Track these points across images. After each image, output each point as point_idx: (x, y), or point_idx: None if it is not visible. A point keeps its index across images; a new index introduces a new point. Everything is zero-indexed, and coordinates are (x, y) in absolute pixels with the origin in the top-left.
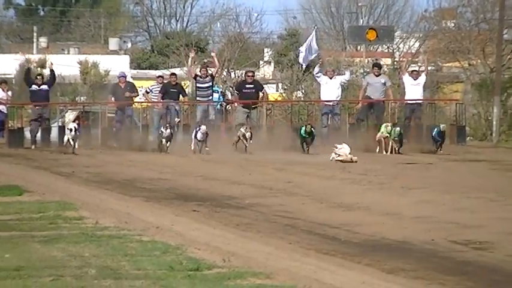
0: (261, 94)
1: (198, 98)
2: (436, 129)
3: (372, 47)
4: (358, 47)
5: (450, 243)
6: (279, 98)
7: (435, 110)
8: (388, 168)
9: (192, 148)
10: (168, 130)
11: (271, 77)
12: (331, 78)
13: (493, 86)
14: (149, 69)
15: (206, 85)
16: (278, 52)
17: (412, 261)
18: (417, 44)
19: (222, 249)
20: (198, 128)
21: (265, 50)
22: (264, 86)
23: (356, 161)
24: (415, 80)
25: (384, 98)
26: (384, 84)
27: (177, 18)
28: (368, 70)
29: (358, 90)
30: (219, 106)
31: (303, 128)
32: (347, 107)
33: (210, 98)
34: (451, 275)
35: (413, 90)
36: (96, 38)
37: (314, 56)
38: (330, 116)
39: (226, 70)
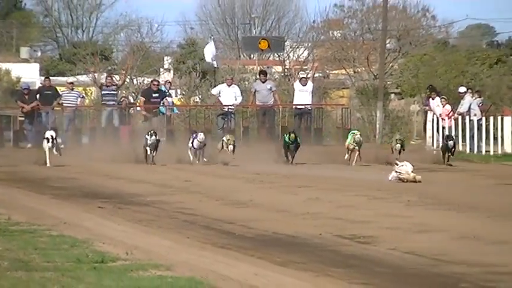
0: (169, 99)
1: (103, 103)
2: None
3: (264, 56)
4: (251, 56)
5: (336, 237)
6: (178, 103)
7: (322, 114)
8: (280, 168)
9: (191, 159)
10: (153, 137)
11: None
12: (229, 86)
13: (376, 92)
14: (57, 76)
15: (111, 92)
16: (177, 60)
17: (302, 255)
18: (306, 53)
19: (126, 243)
20: (194, 136)
21: (165, 58)
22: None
23: (420, 181)
24: (303, 86)
25: (272, 102)
26: (270, 89)
27: (83, 29)
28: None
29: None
30: (164, 110)
31: (287, 136)
32: (241, 111)
33: (114, 103)
34: (338, 267)
35: (302, 95)
36: (8, 47)
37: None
38: (226, 119)
39: (129, 77)
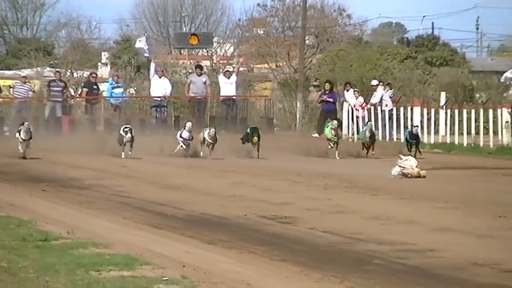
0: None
1: (51, 99)
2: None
3: (193, 51)
4: (182, 51)
5: (260, 218)
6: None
7: (247, 105)
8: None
9: (177, 148)
10: (129, 135)
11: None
12: (160, 78)
13: (296, 85)
14: (4, 70)
15: (59, 88)
16: (114, 55)
17: (228, 234)
18: (232, 49)
19: (67, 223)
20: (184, 127)
21: (103, 53)
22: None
23: (425, 176)
24: (228, 79)
25: (206, 94)
26: (205, 82)
27: (28, 26)
28: (190, 71)
29: (182, 87)
30: (112, 101)
31: (248, 129)
32: (173, 102)
33: (59, 99)
34: (261, 245)
35: (227, 87)
36: None
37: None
38: (158, 109)
39: (70, 71)
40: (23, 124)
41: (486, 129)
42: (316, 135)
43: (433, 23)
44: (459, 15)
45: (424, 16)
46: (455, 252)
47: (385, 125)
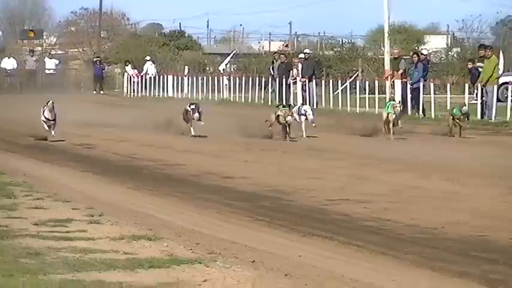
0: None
1: None
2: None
3: (33, 41)
4: (24, 41)
5: (72, 145)
6: None
7: (65, 75)
8: None
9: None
10: (196, 114)
11: None
12: (8, 58)
13: (92, 62)
14: None
15: None
16: None
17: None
18: (55, 39)
19: None
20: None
21: None
22: None
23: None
24: (50, 59)
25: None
26: (56, 64)
27: None
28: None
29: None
30: None
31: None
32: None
33: None
34: (70, 161)
35: (50, 64)
36: None
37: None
38: (9, 78)
39: None
40: (47, 103)
41: (213, 89)
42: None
43: (180, 23)
44: (199, 18)
45: (174, 19)
46: (195, 166)
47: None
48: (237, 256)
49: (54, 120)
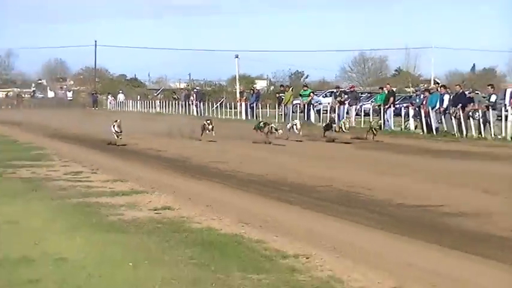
0: None
1: None
2: None
3: None
4: None
5: None
6: None
7: None
8: None
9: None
10: (211, 126)
11: None
12: None
13: None
14: None
15: None
16: None
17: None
18: None
19: None
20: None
21: None
22: None
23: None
24: None
25: None
26: None
27: None
28: None
29: None
30: None
31: None
32: None
33: None
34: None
35: None
36: None
37: None
38: None
39: None
40: (116, 121)
41: (151, 106)
42: None
43: (135, 73)
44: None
45: (134, 72)
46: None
47: None
48: (164, 189)
49: (121, 132)
